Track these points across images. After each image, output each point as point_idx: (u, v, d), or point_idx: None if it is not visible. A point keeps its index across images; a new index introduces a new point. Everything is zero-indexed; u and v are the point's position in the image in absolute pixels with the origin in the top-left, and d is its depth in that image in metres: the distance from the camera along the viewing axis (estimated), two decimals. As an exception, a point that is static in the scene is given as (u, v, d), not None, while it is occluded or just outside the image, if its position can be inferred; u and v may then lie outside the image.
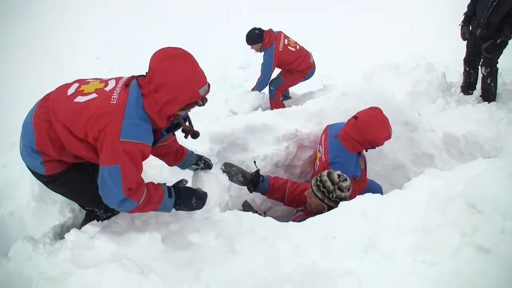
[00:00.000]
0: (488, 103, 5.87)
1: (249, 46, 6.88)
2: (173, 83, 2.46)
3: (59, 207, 3.28)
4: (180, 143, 3.41)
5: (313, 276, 2.41)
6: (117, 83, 2.62)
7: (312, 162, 4.87)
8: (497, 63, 5.95)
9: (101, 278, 2.33)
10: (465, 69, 6.52)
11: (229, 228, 2.99)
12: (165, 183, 2.92)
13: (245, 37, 6.77)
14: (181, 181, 3.27)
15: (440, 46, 8.52)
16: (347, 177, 3.59)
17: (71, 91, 2.61)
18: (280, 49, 6.63)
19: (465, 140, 5.22)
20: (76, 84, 2.68)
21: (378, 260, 2.60)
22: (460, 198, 2.91)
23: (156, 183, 2.83)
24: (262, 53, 6.81)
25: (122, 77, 2.70)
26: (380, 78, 6.23)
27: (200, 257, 2.74)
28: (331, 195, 3.49)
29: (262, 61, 6.82)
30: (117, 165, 2.42)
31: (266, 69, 6.79)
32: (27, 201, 3.48)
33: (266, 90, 7.17)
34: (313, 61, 6.96)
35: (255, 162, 4.03)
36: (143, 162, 2.64)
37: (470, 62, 6.38)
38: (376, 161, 5.67)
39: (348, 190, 3.55)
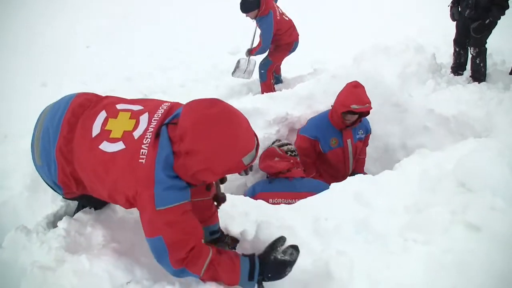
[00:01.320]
0: (478, 83, 5.87)
1: (244, 16, 6.57)
2: (208, 152, 1.96)
3: (51, 196, 3.23)
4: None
5: (305, 257, 2.42)
6: (149, 123, 2.18)
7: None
8: (486, 43, 5.95)
9: (93, 264, 2.33)
10: (455, 50, 6.52)
11: (222, 212, 2.99)
12: (250, 255, 2.31)
13: (239, 5, 6.43)
14: (277, 240, 2.42)
15: (430, 27, 8.50)
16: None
17: (96, 129, 2.22)
18: (278, 17, 6.49)
19: (456, 121, 5.22)
20: (104, 115, 2.28)
21: (370, 240, 2.62)
22: (450, 177, 2.94)
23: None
24: (256, 22, 6.62)
25: (156, 110, 2.26)
26: (370, 61, 6.17)
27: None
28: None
29: (259, 30, 6.64)
30: (159, 237, 2.06)
31: (266, 35, 6.49)
32: (19, 191, 3.46)
33: (256, 75, 7.13)
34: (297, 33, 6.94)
35: None
36: None
37: (460, 43, 6.38)
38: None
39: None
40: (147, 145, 2.08)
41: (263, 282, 2.27)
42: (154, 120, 2.18)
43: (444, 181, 2.95)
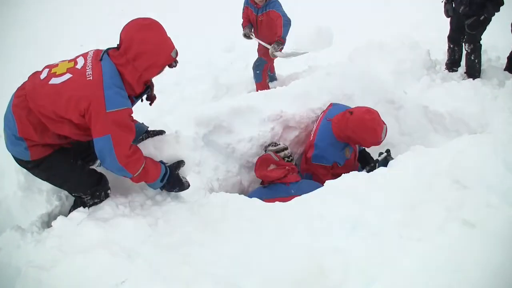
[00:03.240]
0: (473, 79, 5.87)
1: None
2: (151, 51, 2.65)
3: (46, 196, 3.23)
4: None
5: (299, 255, 2.42)
6: (85, 59, 2.69)
7: (298, 142, 4.85)
8: (481, 39, 5.95)
9: (88, 264, 2.33)
10: (449, 46, 6.52)
11: (217, 210, 2.98)
12: (165, 163, 3.07)
13: None
14: (180, 162, 3.22)
15: (424, 23, 8.50)
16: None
17: (43, 75, 2.67)
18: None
19: (450, 117, 5.22)
20: (47, 69, 2.72)
21: (365, 237, 2.61)
22: (445, 174, 2.93)
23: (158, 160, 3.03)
24: (259, 13, 6.27)
25: (88, 52, 2.78)
26: (365, 58, 6.20)
27: (187, 241, 2.73)
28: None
29: (275, 9, 6.07)
30: (107, 135, 2.55)
31: (286, 15, 6.09)
32: (13, 191, 3.44)
33: (251, 73, 7.08)
34: None
35: None
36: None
37: (454, 39, 6.37)
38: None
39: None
40: (90, 68, 2.60)
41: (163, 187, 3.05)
42: (89, 57, 2.70)
43: (439, 177, 2.93)
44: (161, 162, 3.05)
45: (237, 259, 2.58)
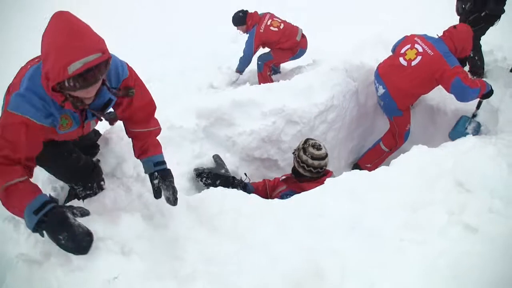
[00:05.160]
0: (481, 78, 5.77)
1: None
2: (43, 54, 2.08)
3: (40, 186, 3.14)
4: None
5: (297, 255, 2.38)
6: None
7: (300, 138, 4.79)
8: (480, 39, 5.85)
9: (80, 258, 2.28)
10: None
11: (214, 205, 2.93)
12: (54, 200, 2.59)
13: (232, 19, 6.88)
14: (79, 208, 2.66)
15: (430, 19, 8.40)
16: (321, 146, 3.71)
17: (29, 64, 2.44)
18: (262, 31, 6.65)
19: (454, 116, 5.18)
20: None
21: (364, 238, 2.56)
22: (448, 176, 2.89)
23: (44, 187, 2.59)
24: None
25: None
26: (370, 53, 6.11)
27: (182, 237, 2.68)
28: (304, 164, 3.64)
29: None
30: None
31: (246, 50, 6.87)
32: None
33: (255, 65, 7.06)
34: (301, 38, 6.86)
35: (245, 174, 4.03)
36: None
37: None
38: (366, 137, 5.64)
39: (322, 159, 3.65)
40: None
41: (42, 229, 2.20)
42: None
43: (442, 179, 2.89)
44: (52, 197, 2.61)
45: (233, 257, 2.53)
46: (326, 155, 3.70)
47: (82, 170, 2.88)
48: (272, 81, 6.74)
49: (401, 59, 4.76)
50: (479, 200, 2.58)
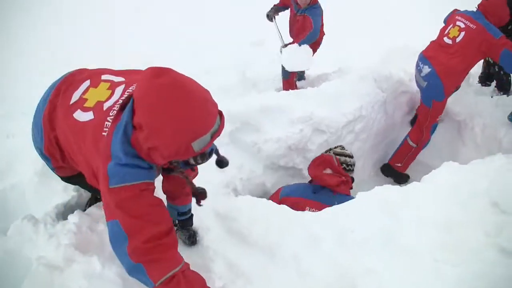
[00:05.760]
0: (507, 96, 5.66)
1: None
2: (152, 129, 1.75)
3: (64, 184, 3.06)
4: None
5: (330, 271, 2.35)
6: (121, 95, 2.07)
7: (326, 147, 4.75)
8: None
9: (105, 267, 2.26)
10: (484, 59, 6.33)
11: (243, 215, 2.90)
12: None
13: None
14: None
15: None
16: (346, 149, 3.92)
17: (75, 96, 2.15)
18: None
19: (482, 134, 5.10)
20: (87, 84, 2.20)
21: (398, 256, 2.53)
22: (483, 196, 2.85)
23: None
24: (299, 14, 6.07)
25: (134, 82, 2.10)
26: (398, 62, 6.03)
27: (211, 247, 2.67)
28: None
29: (311, 16, 5.95)
30: (116, 221, 1.88)
31: (318, 23, 6.04)
32: (29, 176, 3.37)
33: (279, 69, 6.95)
34: None
35: None
36: None
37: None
38: (391, 149, 5.58)
39: (348, 156, 3.80)
40: (112, 117, 1.96)
41: None
42: (127, 92, 2.06)
43: (476, 199, 2.85)
44: None
45: (262, 270, 2.52)
46: (352, 156, 3.82)
47: None
48: (297, 87, 6.65)
49: (445, 38, 4.83)
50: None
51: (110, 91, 2.10)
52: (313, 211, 3.35)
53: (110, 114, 1.98)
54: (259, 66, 7.80)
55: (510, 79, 5.78)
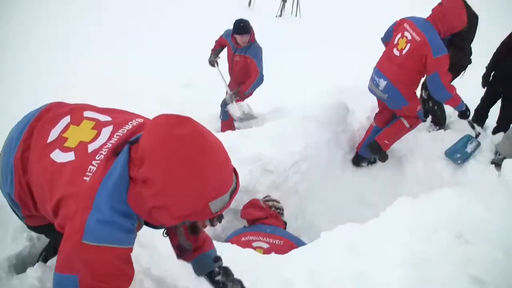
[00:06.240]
0: (444, 130, 5.84)
1: (238, 37, 5.92)
2: (166, 186, 1.57)
3: (12, 234, 2.75)
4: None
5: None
6: (109, 137, 1.85)
7: (275, 188, 4.73)
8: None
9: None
10: (421, 95, 6.54)
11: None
12: None
13: (237, 27, 5.83)
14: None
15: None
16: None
17: (54, 134, 1.91)
18: None
19: (423, 168, 5.28)
20: (67, 120, 1.97)
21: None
22: (446, 228, 2.94)
23: None
24: (239, 53, 6.07)
25: (127, 122, 1.94)
26: (337, 102, 6.13)
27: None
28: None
29: (254, 59, 5.95)
30: (73, 276, 1.60)
31: (262, 65, 6.00)
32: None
33: (214, 110, 6.92)
34: None
35: None
36: None
37: (425, 87, 6.39)
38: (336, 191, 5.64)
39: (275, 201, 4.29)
40: (98, 161, 1.73)
41: None
42: (117, 135, 1.85)
43: (439, 232, 2.94)
44: None
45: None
46: (279, 202, 4.33)
47: None
48: (234, 128, 6.63)
49: (394, 49, 4.87)
50: (482, 252, 2.66)
51: (96, 131, 1.89)
52: (257, 239, 3.52)
53: (96, 158, 1.76)
54: (191, 109, 7.73)
55: (444, 114, 6.04)
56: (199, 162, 1.54)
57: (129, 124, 1.91)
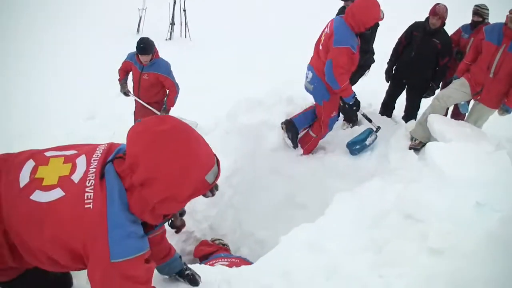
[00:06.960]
0: (358, 126, 6.15)
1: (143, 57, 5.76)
2: (168, 177, 1.74)
3: None
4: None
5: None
6: (87, 164, 1.91)
7: (210, 207, 4.81)
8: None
9: None
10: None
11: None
12: None
13: (139, 47, 5.65)
14: None
15: (295, 79, 8.87)
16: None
17: (24, 178, 1.90)
18: None
19: (345, 163, 5.55)
20: (31, 163, 1.96)
21: (348, 283, 2.72)
22: (394, 212, 3.20)
23: None
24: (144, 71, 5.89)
25: (95, 148, 2.00)
26: (247, 114, 6.31)
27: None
28: None
29: (167, 75, 5.86)
30: None
31: (173, 75, 5.98)
32: None
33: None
34: None
35: None
36: None
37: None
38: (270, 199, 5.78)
39: None
40: (92, 187, 1.81)
41: None
42: (93, 160, 1.91)
43: (388, 216, 3.19)
44: None
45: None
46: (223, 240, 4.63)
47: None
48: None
49: (320, 45, 5.17)
50: (434, 226, 2.92)
51: (70, 163, 1.93)
52: (216, 262, 3.56)
53: (87, 184, 1.82)
54: (98, 141, 7.52)
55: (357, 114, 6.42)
56: (188, 148, 1.76)
57: (98, 149, 1.99)
